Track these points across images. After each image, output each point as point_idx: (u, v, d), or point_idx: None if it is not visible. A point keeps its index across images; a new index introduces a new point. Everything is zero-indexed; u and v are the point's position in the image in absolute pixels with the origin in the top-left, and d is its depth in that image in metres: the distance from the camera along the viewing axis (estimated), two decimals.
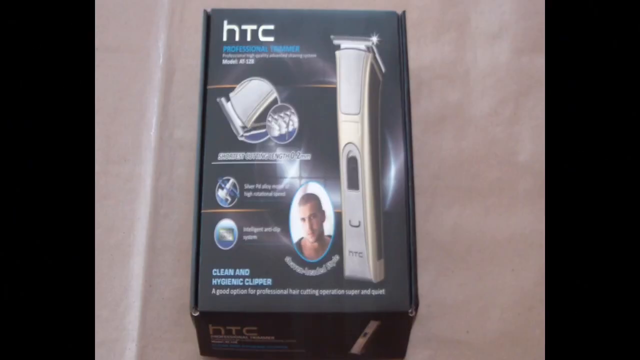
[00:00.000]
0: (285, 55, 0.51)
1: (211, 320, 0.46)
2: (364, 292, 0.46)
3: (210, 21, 0.51)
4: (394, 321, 0.46)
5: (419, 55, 0.60)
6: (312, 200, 0.47)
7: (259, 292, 0.45)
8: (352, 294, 0.46)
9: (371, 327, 0.47)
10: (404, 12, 0.52)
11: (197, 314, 0.45)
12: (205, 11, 0.52)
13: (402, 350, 0.50)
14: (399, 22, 0.52)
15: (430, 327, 0.53)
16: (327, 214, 0.47)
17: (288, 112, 0.49)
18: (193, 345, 0.50)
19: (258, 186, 0.48)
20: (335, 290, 0.46)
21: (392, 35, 0.51)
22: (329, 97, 0.49)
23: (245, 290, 0.45)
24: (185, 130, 0.57)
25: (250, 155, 0.48)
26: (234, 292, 0.45)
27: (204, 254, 0.46)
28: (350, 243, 0.47)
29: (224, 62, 0.50)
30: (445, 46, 0.61)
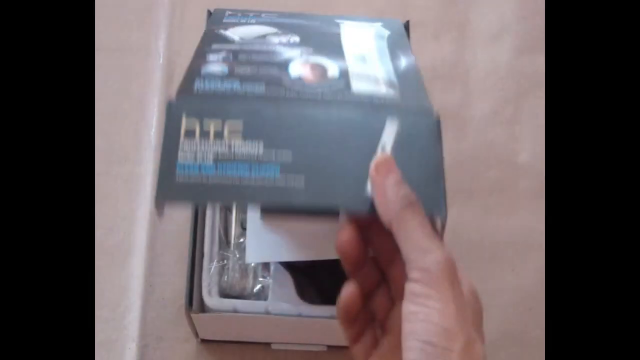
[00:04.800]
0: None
1: (186, 107, 0.37)
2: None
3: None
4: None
5: (419, 55, 0.60)
6: (317, 68, 0.42)
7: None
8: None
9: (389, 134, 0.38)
10: (407, 22, 0.52)
11: (171, 100, 0.37)
12: (208, 11, 0.52)
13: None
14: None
15: None
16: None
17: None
18: (193, 345, 0.50)
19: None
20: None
21: None
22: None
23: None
24: None
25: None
26: (218, 84, 0.39)
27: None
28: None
29: None
30: (445, 46, 0.61)
